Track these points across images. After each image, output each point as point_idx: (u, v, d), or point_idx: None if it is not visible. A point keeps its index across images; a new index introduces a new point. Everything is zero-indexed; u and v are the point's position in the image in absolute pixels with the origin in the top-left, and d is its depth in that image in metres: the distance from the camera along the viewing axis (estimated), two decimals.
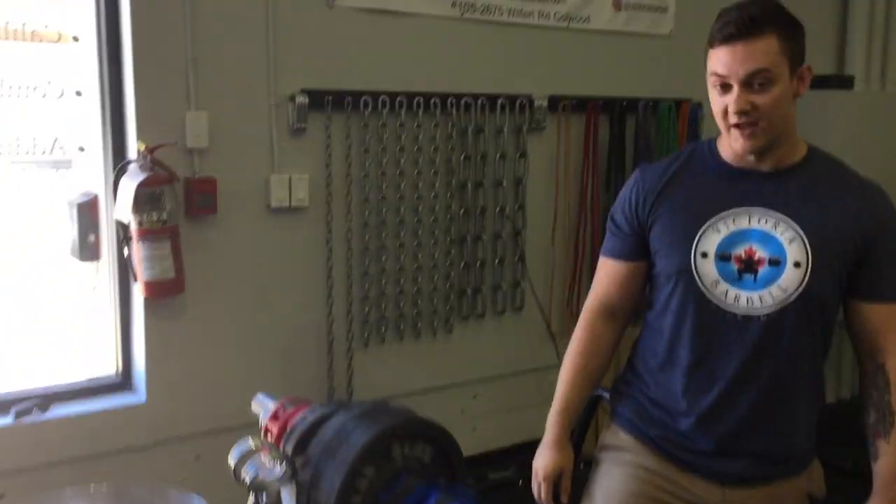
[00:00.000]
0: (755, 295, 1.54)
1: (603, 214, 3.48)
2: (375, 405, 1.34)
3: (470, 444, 3.48)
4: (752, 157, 1.57)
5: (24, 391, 2.68)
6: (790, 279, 1.53)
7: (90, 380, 2.82)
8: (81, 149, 2.73)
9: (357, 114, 2.99)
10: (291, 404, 1.34)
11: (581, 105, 3.51)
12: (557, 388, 1.77)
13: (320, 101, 2.91)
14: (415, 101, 3.09)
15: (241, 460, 1.22)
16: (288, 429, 1.25)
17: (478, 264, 3.33)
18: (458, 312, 3.34)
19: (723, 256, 1.55)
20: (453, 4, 3.18)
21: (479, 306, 3.37)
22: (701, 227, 1.58)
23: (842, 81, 4.21)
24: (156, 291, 2.66)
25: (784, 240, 1.54)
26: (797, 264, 1.53)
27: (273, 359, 2.99)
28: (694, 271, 1.57)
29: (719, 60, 1.51)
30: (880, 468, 1.60)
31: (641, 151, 3.63)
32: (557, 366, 1.84)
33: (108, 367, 2.85)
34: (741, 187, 1.58)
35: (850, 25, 4.42)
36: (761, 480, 1.64)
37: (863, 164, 4.35)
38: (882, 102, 4.47)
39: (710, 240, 1.56)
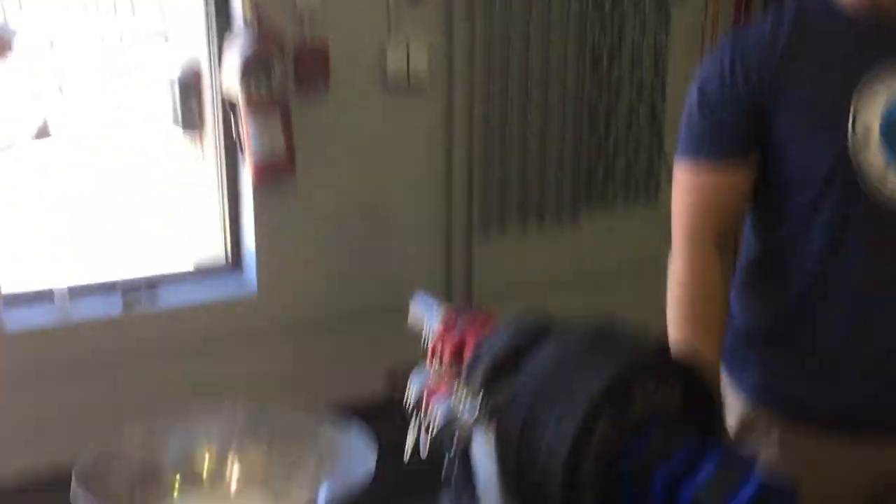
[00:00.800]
0: None
1: None
2: (599, 330, 0.84)
3: None
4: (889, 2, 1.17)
5: (133, 278, 2.56)
6: None
7: (199, 265, 2.68)
8: (182, 16, 2.50)
9: None
10: (465, 316, 0.98)
11: None
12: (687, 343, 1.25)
13: None
14: None
15: (422, 395, 0.88)
16: (471, 353, 0.88)
17: (611, 146, 2.98)
18: (587, 199, 3.03)
19: (890, 135, 1.14)
20: None
21: (610, 193, 3.04)
22: (850, 98, 1.15)
23: None
24: (265, 174, 2.45)
25: None
26: None
27: (388, 249, 2.77)
28: (854, 161, 1.16)
29: None
30: None
31: None
32: None
33: (217, 250, 2.70)
34: (885, 43, 1.17)
35: None
36: None
37: None
38: None
39: (870, 112, 1.15)
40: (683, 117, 1.27)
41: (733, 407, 1.31)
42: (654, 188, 3.11)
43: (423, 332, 1.00)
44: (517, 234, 2.94)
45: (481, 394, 0.83)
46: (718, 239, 1.26)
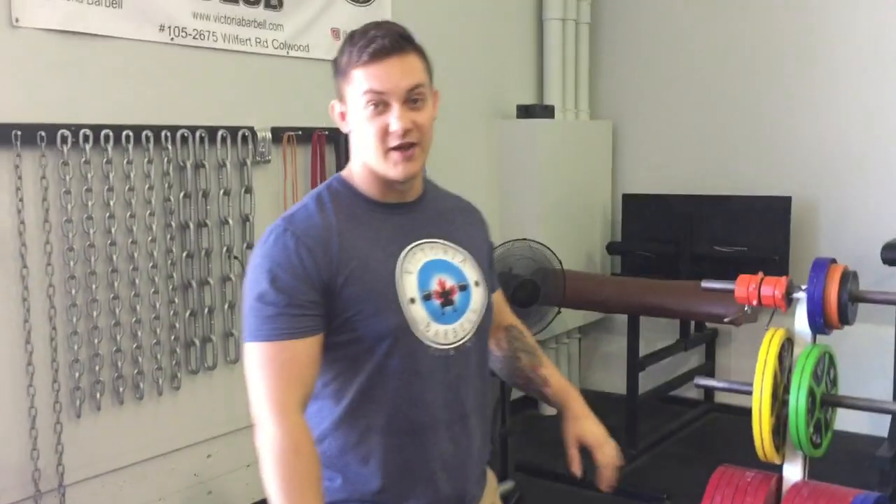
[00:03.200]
0: (457, 325, 1.46)
1: None
2: None
3: None
4: (401, 186, 1.46)
5: None
6: (478, 299, 1.51)
7: None
8: None
9: (54, 150, 2.59)
10: None
11: (306, 136, 3.36)
12: None
13: (7, 135, 2.47)
14: (123, 135, 2.75)
15: None
16: None
17: (206, 311, 3.03)
18: (186, 367, 3.02)
19: (426, 296, 1.43)
20: (161, 28, 2.89)
21: (210, 358, 3.07)
22: (394, 274, 1.41)
23: (544, 111, 4.49)
24: None
25: (458, 263, 1.50)
26: (477, 283, 1.52)
27: None
28: (410, 322, 1.41)
29: (375, 77, 1.38)
30: (555, 385, 1.69)
31: None
32: None
33: None
34: (399, 222, 1.47)
35: (546, 61, 4.74)
36: None
37: (565, 182, 4.71)
38: (576, 128, 4.84)
39: (410, 284, 1.42)
40: (252, 303, 1.37)
41: None
42: None
43: None
44: (114, 410, 2.82)
45: None
46: (302, 407, 1.37)
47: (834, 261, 2.26)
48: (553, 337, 4.77)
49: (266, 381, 1.34)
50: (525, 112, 4.49)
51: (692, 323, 4.54)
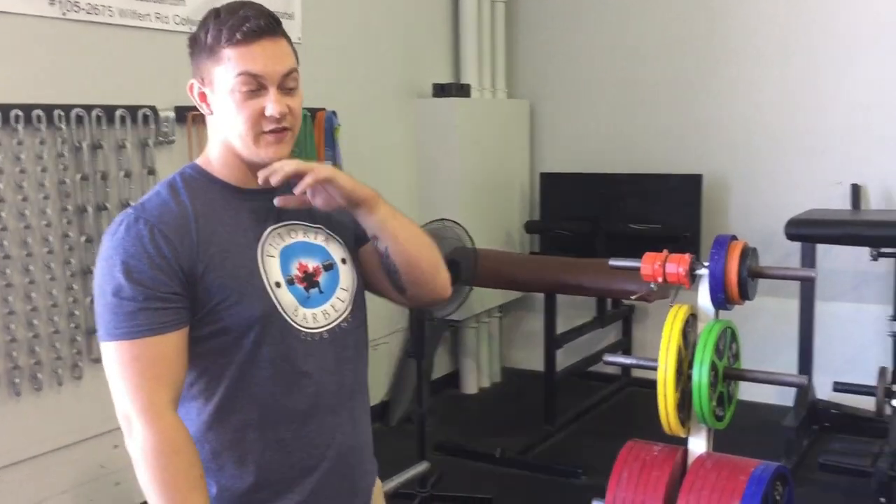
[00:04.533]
0: (327, 307, 1.41)
1: None
2: None
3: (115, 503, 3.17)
4: None
5: None
6: (347, 277, 1.46)
7: None
8: None
9: None
10: None
11: None
12: None
13: None
14: (12, 115, 2.61)
15: None
16: None
17: None
18: (88, 355, 2.91)
19: (289, 281, 1.38)
20: (52, 2, 2.74)
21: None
22: (256, 259, 1.36)
23: (461, 90, 4.47)
24: None
25: (320, 242, 1.45)
26: (344, 261, 1.47)
27: None
28: (278, 307, 1.36)
29: (251, 59, 1.31)
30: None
31: None
32: None
33: None
34: (258, 207, 1.40)
35: (462, 39, 4.71)
36: None
37: (483, 161, 4.70)
38: (493, 107, 4.83)
39: (273, 268, 1.37)
40: (107, 299, 1.27)
41: None
42: None
43: None
44: (10, 403, 2.70)
45: None
46: (174, 406, 1.30)
47: (734, 237, 2.29)
48: (473, 316, 4.77)
49: (131, 381, 1.26)
50: (441, 91, 4.45)
51: (609, 300, 4.60)
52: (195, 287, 1.30)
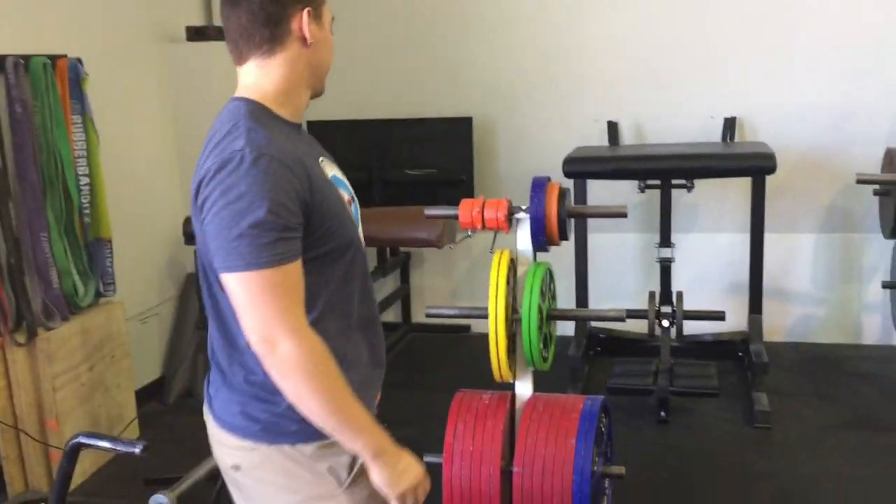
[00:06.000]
0: (360, 231, 1.57)
1: None
2: None
3: None
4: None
5: None
6: (358, 212, 1.61)
7: None
8: None
9: None
10: None
11: None
12: (351, 409, 1.37)
13: None
14: None
15: None
16: None
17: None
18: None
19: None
20: None
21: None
22: (333, 185, 1.48)
23: (218, 32, 4.11)
24: None
25: (342, 177, 1.57)
26: (352, 199, 1.58)
27: None
28: (359, 229, 1.55)
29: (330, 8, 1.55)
30: None
31: (20, 118, 2.99)
32: None
33: None
34: (304, 140, 1.51)
35: None
36: None
37: None
38: None
39: (343, 195, 1.51)
40: (240, 232, 1.30)
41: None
42: None
43: None
44: None
45: None
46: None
47: (549, 179, 2.29)
48: None
49: (276, 305, 1.32)
50: (196, 34, 4.07)
51: (387, 249, 4.54)
52: (310, 215, 1.38)
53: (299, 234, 1.35)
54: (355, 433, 1.37)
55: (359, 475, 1.44)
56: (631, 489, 2.97)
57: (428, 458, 2.43)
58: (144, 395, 3.89)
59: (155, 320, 4.02)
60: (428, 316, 2.36)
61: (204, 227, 1.35)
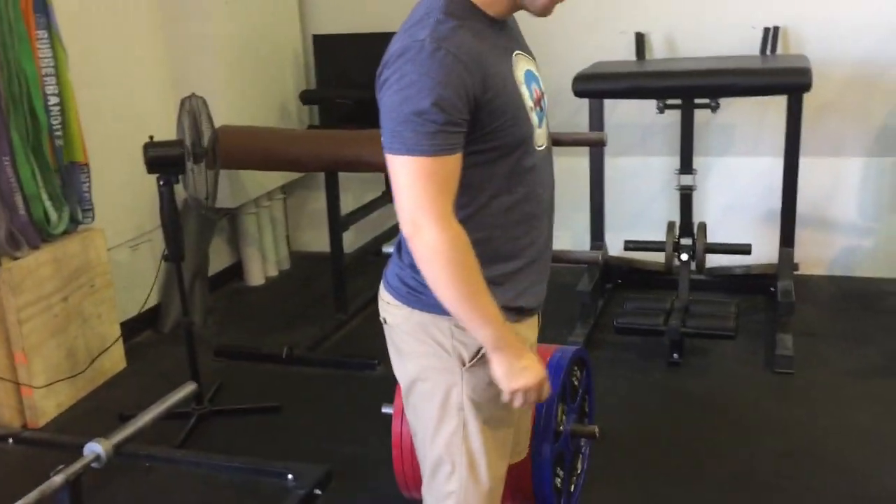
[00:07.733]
0: (544, 128, 1.58)
1: None
2: None
3: None
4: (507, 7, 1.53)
5: None
6: (541, 111, 1.60)
7: None
8: None
9: None
10: None
11: None
12: (481, 299, 1.43)
13: None
14: None
15: None
16: None
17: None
18: None
19: (531, 106, 1.51)
20: None
21: None
22: (518, 85, 1.48)
23: None
24: None
25: (536, 72, 1.58)
26: (542, 95, 1.59)
27: None
28: (533, 128, 1.52)
29: None
30: None
31: None
32: None
33: None
34: (504, 37, 1.52)
35: None
36: None
37: (246, 25, 4.02)
38: None
39: (525, 94, 1.50)
40: (405, 117, 1.36)
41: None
42: None
43: None
44: None
45: None
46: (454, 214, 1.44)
47: None
48: (252, 201, 4.33)
49: (427, 192, 1.38)
50: None
51: None
52: (480, 111, 1.41)
53: (463, 130, 1.40)
54: (481, 324, 1.42)
55: (481, 362, 1.51)
56: (627, 439, 2.74)
57: (385, 410, 2.24)
58: (139, 324, 3.78)
59: (147, 247, 3.87)
60: (383, 252, 2.12)
61: (380, 107, 1.42)
